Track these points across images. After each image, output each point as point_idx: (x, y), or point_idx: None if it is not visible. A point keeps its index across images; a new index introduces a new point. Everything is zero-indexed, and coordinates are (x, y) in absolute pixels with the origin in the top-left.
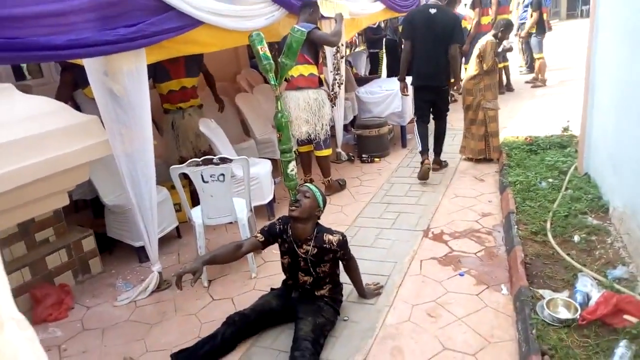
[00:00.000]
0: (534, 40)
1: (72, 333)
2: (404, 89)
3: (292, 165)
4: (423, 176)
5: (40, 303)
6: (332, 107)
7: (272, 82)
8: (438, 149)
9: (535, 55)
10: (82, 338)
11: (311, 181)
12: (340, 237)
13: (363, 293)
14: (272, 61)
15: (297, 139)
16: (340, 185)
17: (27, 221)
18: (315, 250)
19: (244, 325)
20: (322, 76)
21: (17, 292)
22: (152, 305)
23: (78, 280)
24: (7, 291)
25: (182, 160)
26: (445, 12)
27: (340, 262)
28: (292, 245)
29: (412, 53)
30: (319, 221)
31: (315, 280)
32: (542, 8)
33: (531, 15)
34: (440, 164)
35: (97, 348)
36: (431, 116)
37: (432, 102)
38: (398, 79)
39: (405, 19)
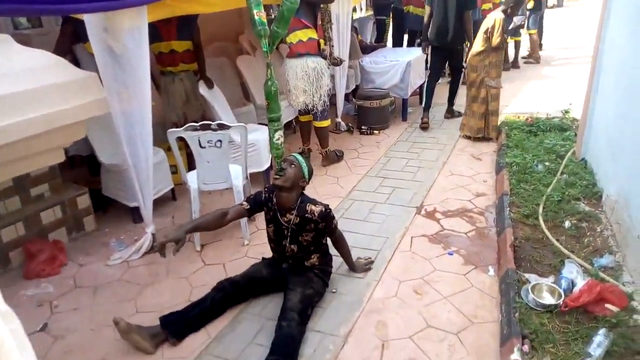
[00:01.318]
0: (531, 17)
1: (64, 290)
2: (425, 47)
3: (279, 134)
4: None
5: (33, 258)
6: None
7: (265, 49)
8: (451, 100)
9: (529, 31)
10: (74, 295)
11: (309, 151)
12: (323, 209)
13: (353, 267)
14: (266, 27)
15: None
16: (338, 157)
17: (23, 176)
18: (298, 219)
19: (234, 291)
20: (321, 40)
21: (11, 246)
22: (144, 266)
23: (72, 238)
24: None
25: (173, 125)
26: None
27: (325, 235)
28: (275, 213)
29: (431, 17)
30: (305, 192)
31: (301, 248)
32: None
33: None
34: (452, 113)
35: (88, 306)
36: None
37: (446, 60)
38: (421, 39)
39: None
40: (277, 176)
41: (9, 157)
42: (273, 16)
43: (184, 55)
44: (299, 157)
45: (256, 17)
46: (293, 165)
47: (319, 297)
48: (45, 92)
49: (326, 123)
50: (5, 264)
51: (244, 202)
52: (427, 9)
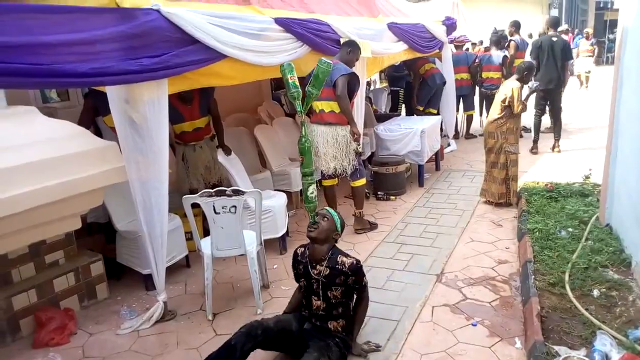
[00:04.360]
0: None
1: None
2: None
3: (312, 188)
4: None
5: (43, 327)
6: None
7: (299, 109)
8: (557, 135)
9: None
10: None
11: None
12: (354, 261)
13: (352, 345)
14: (299, 89)
15: (322, 172)
16: (371, 226)
17: (38, 243)
18: (328, 271)
19: (263, 339)
20: None
21: (22, 314)
22: (154, 335)
23: (83, 305)
24: None
25: (192, 191)
26: (561, 39)
27: (353, 297)
28: (307, 266)
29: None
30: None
31: (328, 307)
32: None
33: None
34: (558, 147)
35: None
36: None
37: (547, 101)
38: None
39: (534, 45)
40: (312, 229)
41: (27, 224)
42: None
43: (206, 129)
44: (332, 211)
45: (290, 81)
46: (326, 218)
47: None
48: (65, 160)
49: (362, 182)
50: (15, 332)
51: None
52: (535, 61)
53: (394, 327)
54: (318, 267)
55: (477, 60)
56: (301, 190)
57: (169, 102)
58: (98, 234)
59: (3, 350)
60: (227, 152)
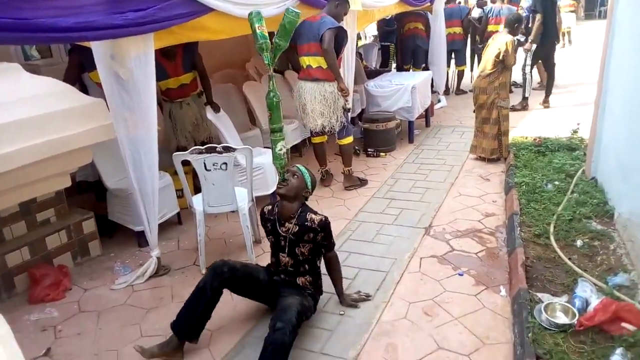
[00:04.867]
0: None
1: (68, 314)
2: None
3: (281, 145)
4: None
5: (38, 283)
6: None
7: (266, 61)
8: (549, 91)
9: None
10: (78, 320)
11: (327, 173)
12: (323, 218)
13: (341, 298)
14: (268, 40)
15: (311, 130)
16: (361, 182)
17: (29, 201)
18: (297, 228)
19: (230, 276)
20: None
21: (15, 271)
22: (149, 290)
23: (77, 262)
24: None
25: (180, 149)
26: None
27: (321, 254)
28: (275, 223)
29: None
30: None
31: (295, 263)
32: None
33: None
34: (548, 103)
35: (92, 331)
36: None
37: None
38: (531, 42)
39: None
40: (281, 185)
41: (16, 182)
42: None
43: (191, 85)
44: (302, 168)
45: (258, 31)
46: (296, 176)
47: (310, 313)
48: (52, 118)
49: (349, 140)
50: (10, 288)
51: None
52: (539, 16)
53: (383, 277)
54: (287, 224)
55: (483, 14)
56: (292, 147)
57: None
58: (87, 192)
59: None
60: (216, 109)
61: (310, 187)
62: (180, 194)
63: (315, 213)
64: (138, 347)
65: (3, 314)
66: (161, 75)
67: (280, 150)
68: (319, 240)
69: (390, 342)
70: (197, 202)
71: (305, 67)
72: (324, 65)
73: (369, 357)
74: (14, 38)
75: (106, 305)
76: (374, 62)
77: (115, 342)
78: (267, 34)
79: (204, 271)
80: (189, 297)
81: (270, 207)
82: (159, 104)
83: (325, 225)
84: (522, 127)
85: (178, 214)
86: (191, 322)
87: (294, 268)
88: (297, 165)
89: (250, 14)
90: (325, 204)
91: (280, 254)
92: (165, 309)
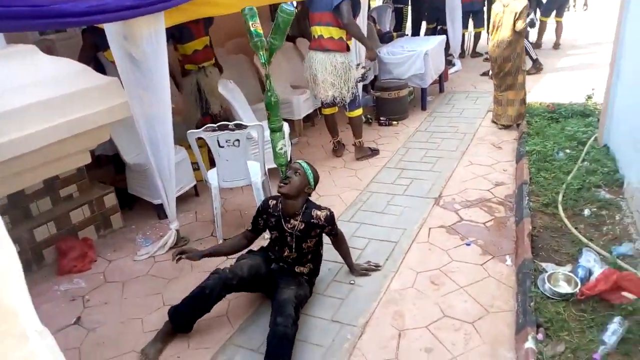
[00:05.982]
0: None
1: (95, 284)
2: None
3: (282, 144)
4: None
5: (65, 255)
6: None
7: (262, 61)
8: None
9: (541, 17)
10: (104, 289)
11: (339, 144)
12: (328, 212)
13: (351, 267)
14: (263, 38)
15: (322, 101)
16: (372, 152)
17: (52, 178)
18: (303, 225)
19: (237, 286)
20: (349, 42)
21: (44, 245)
22: (169, 261)
23: (100, 235)
24: (30, 305)
25: (213, 117)
26: None
27: (323, 239)
28: (279, 220)
29: None
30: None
31: (298, 256)
32: None
33: None
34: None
35: (118, 300)
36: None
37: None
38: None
39: None
40: (282, 184)
41: (40, 161)
42: None
43: (211, 48)
44: (304, 164)
45: (252, 29)
46: (298, 173)
47: (306, 301)
48: (70, 98)
49: (358, 112)
50: (39, 261)
51: (249, 227)
52: None
53: (393, 247)
54: (292, 221)
55: None
56: (304, 117)
57: (180, 23)
58: (107, 165)
59: (31, 277)
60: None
61: (312, 184)
62: (196, 166)
63: (320, 208)
64: (142, 355)
65: (34, 285)
66: (189, 36)
67: (281, 149)
68: (327, 232)
69: (398, 310)
70: (212, 177)
71: (316, 37)
72: (336, 36)
73: (377, 323)
74: (32, 25)
75: (130, 276)
76: (388, 24)
77: (140, 311)
78: (261, 32)
79: (221, 241)
80: (192, 295)
81: (274, 201)
82: (177, 81)
83: (331, 219)
84: (536, 92)
85: (195, 186)
86: (191, 319)
87: (296, 259)
88: (299, 161)
89: (242, 10)
90: (337, 174)
91: (285, 248)
92: (185, 278)
